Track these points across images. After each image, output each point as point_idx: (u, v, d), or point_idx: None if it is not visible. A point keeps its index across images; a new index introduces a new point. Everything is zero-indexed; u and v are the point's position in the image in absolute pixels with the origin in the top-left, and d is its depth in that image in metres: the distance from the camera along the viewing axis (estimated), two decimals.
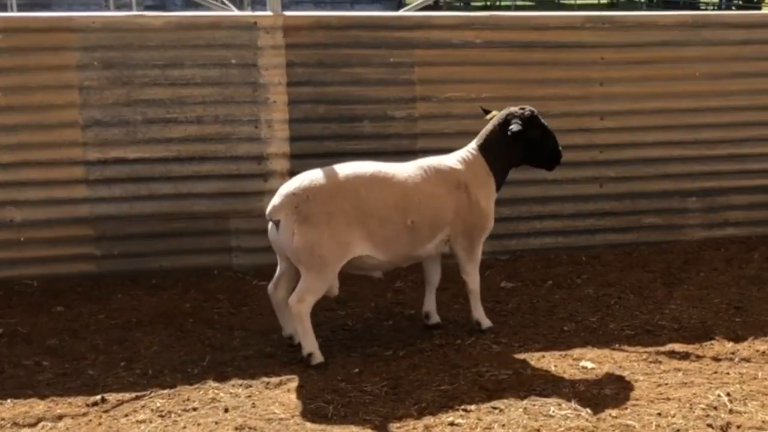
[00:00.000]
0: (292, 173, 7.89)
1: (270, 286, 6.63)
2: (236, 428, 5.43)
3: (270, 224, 6.37)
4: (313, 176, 6.38)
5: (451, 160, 6.87)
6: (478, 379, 6.19)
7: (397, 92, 8.28)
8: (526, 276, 8.33)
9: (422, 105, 8.37)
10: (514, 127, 6.75)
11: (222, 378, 6.15)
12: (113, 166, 7.66)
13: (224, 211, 7.90)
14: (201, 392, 5.91)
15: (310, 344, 6.35)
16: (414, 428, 5.48)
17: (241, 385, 6.04)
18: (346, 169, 6.48)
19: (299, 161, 7.99)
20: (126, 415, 5.57)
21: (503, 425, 5.49)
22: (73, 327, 6.93)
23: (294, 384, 6.08)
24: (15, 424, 5.42)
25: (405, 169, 6.65)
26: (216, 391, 5.93)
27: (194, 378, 6.14)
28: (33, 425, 5.42)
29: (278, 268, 6.59)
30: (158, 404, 5.72)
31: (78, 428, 5.40)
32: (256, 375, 6.20)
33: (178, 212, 7.88)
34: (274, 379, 6.14)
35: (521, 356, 6.57)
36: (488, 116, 7.06)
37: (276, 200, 6.32)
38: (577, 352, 6.62)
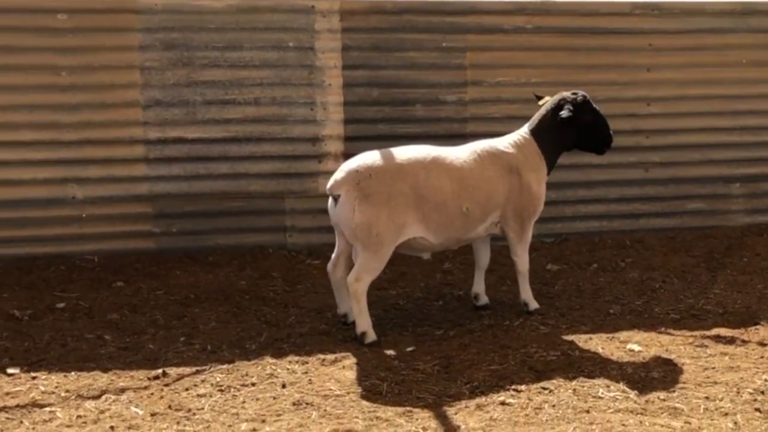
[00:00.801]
0: (346, 155, 7.88)
1: (329, 266, 6.60)
2: (294, 404, 5.40)
3: (330, 199, 6.33)
4: (376, 156, 6.33)
5: (504, 144, 6.79)
6: (527, 359, 6.12)
7: (448, 76, 8.23)
8: (572, 259, 8.26)
9: (473, 89, 8.31)
10: (565, 113, 6.67)
11: (279, 354, 6.13)
12: (172, 146, 7.65)
13: (279, 191, 7.87)
14: (259, 368, 5.89)
15: (364, 323, 6.32)
16: (466, 407, 5.43)
17: (297, 362, 6.01)
18: (407, 152, 6.42)
19: (353, 143, 7.96)
20: (187, 389, 5.55)
21: (553, 406, 5.42)
22: (133, 302, 6.92)
23: (348, 361, 6.04)
24: (79, 396, 5.40)
25: (460, 154, 6.58)
26: (273, 367, 5.91)
27: (252, 354, 6.12)
28: (96, 397, 5.40)
29: (336, 247, 6.55)
30: (218, 379, 5.70)
31: (140, 401, 5.38)
32: (312, 352, 6.17)
33: (235, 191, 7.86)
34: (329, 356, 6.10)
35: (569, 338, 6.50)
36: (540, 102, 6.97)
37: (338, 175, 6.28)
38: (623, 334, 6.53)
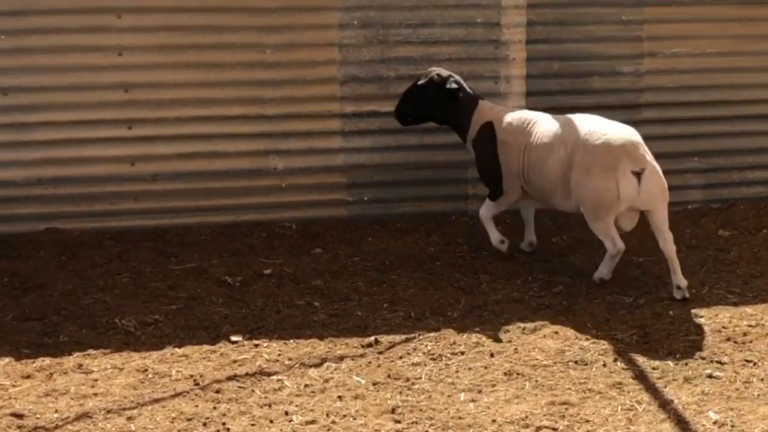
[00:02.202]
0: None
1: None
2: (505, 374, 5.20)
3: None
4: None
5: None
6: (722, 329, 5.81)
7: (625, 49, 7.87)
8: (740, 224, 7.84)
9: (649, 61, 7.92)
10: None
11: (480, 322, 5.92)
12: (366, 119, 7.48)
13: (463, 161, 7.61)
14: (464, 336, 5.69)
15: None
16: (674, 379, 5.16)
17: (499, 330, 5.79)
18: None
19: None
20: (401, 357, 5.40)
21: (761, 379, 5.13)
22: (333, 268, 6.76)
23: (548, 330, 5.80)
24: (302, 364, 5.29)
25: None
26: (478, 335, 5.70)
27: (455, 321, 5.92)
28: (318, 365, 5.27)
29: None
30: (429, 347, 5.52)
31: (360, 369, 5.24)
32: (511, 320, 5.94)
33: (422, 162, 7.65)
34: (529, 325, 5.87)
35: (758, 307, 6.13)
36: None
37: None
38: None
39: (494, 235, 6.89)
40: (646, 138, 7.88)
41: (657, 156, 7.94)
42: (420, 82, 6.80)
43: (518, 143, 6.63)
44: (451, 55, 7.47)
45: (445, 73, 6.81)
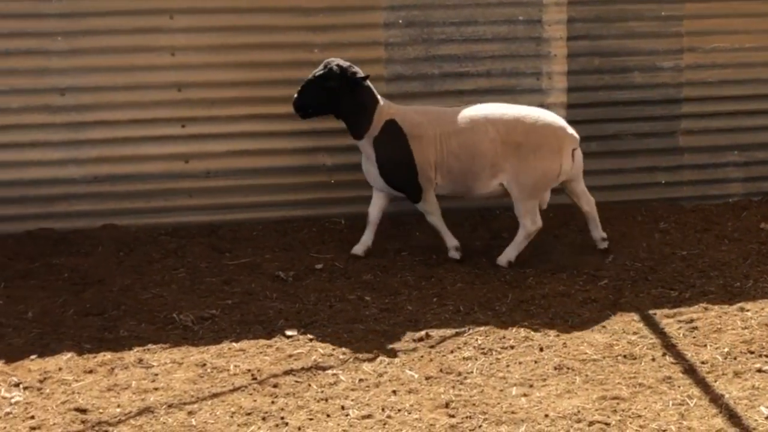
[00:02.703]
0: (569, 122, 7.40)
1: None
2: (555, 368, 5.10)
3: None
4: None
5: None
6: None
7: (665, 44, 7.70)
8: None
9: (688, 55, 7.76)
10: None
11: (528, 316, 5.82)
12: None
13: None
14: (513, 330, 5.59)
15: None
16: (723, 374, 5.03)
17: (547, 324, 5.69)
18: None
19: (575, 110, 7.58)
20: (452, 352, 5.31)
21: None
22: (382, 263, 6.66)
23: (595, 324, 5.70)
24: (356, 358, 5.21)
25: None
26: (527, 330, 5.60)
27: (503, 315, 5.82)
28: (372, 360, 5.20)
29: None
30: (479, 341, 5.43)
31: (413, 364, 5.15)
32: (559, 314, 5.85)
33: None
34: (576, 319, 5.78)
35: None
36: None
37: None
38: None
39: (451, 243, 6.74)
40: (687, 132, 7.85)
41: (698, 150, 7.89)
42: (319, 72, 6.40)
43: (431, 134, 6.48)
44: (493, 52, 7.36)
45: (344, 62, 6.46)
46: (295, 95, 6.42)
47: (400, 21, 7.22)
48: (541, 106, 7.45)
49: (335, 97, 6.43)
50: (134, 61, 6.99)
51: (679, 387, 4.89)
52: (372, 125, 6.52)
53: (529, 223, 6.55)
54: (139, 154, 7.08)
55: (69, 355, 5.25)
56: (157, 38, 7.00)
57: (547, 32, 7.41)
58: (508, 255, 6.59)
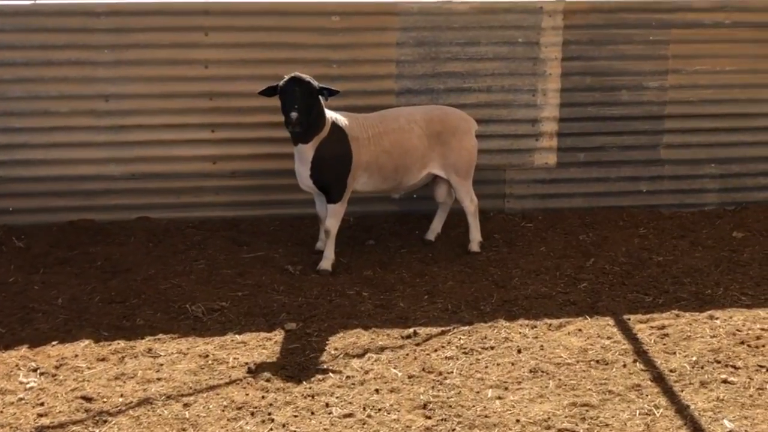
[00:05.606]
0: (560, 134, 6.91)
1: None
2: (531, 371, 4.49)
3: None
4: None
5: None
6: (737, 332, 4.99)
7: (652, 66, 6.96)
8: (753, 227, 6.87)
9: (672, 76, 7.00)
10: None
11: (510, 317, 5.18)
12: None
13: (501, 164, 6.88)
14: (495, 330, 4.97)
15: None
16: (690, 383, 4.39)
17: (527, 325, 5.06)
18: None
19: (566, 123, 6.91)
20: (435, 350, 4.71)
21: None
22: (383, 259, 6.07)
23: (572, 327, 5.06)
24: (346, 354, 4.64)
25: None
26: (507, 330, 4.98)
27: (487, 315, 5.19)
28: (360, 356, 4.62)
29: None
30: (462, 341, 4.82)
31: (398, 362, 4.56)
32: (539, 315, 5.20)
33: None
34: (555, 321, 5.13)
35: None
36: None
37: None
38: None
39: (331, 256, 5.86)
40: (668, 146, 7.13)
41: (678, 162, 7.16)
42: (301, 88, 5.54)
43: (364, 136, 5.87)
44: (494, 70, 6.68)
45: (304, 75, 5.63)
46: (295, 114, 5.50)
47: (411, 41, 6.55)
48: (536, 120, 6.85)
49: (317, 106, 5.67)
50: (171, 72, 6.42)
51: (647, 396, 4.25)
52: (322, 129, 5.75)
53: (468, 202, 6.20)
54: (172, 155, 6.52)
55: (86, 342, 4.73)
56: (193, 52, 6.42)
57: (543, 53, 6.72)
58: (475, 238, 6.22)
